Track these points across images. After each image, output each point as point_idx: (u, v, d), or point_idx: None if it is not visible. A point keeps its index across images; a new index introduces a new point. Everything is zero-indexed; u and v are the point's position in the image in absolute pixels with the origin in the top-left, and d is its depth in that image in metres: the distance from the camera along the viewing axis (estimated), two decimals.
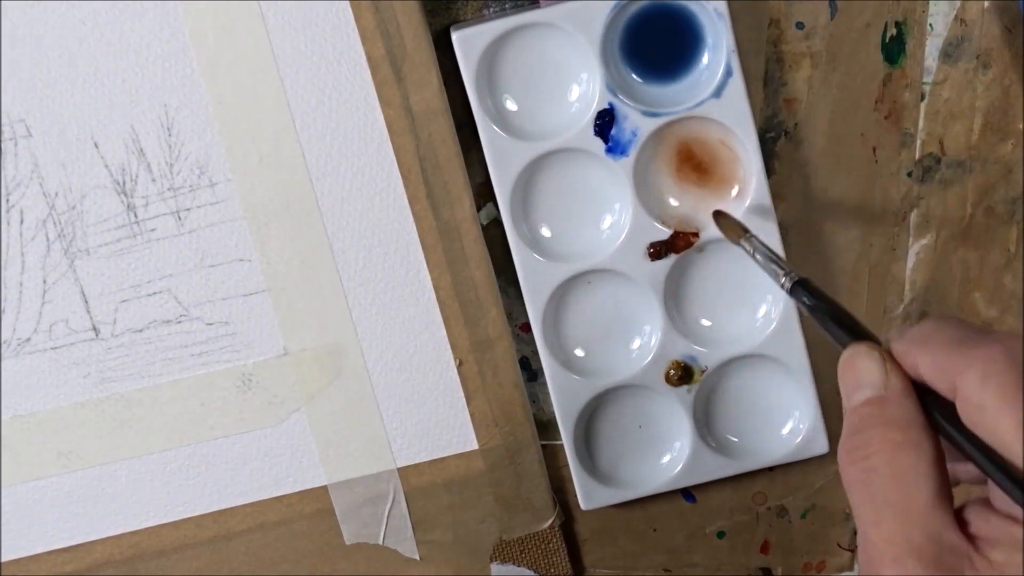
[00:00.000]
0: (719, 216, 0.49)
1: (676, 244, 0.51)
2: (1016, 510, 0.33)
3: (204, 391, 0.52)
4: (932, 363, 0.35)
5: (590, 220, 0.51)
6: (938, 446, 0.35)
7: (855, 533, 0.57)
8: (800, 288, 0.42)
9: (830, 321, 0.40)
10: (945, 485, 0.35)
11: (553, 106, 0.50)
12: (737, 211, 0.50)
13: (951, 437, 0.35)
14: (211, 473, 0.53)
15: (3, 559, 0.53)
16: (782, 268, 0.43)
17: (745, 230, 0.47)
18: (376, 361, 0.52)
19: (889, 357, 0.36)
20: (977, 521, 0.34)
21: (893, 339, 0.37)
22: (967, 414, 0.34)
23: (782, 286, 0.43)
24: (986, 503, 0.35)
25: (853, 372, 0.37)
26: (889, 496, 0.35)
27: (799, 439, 0.53)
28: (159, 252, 0.51)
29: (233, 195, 0.50)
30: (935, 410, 0.35)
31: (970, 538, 0.34)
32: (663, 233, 0.50)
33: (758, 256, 0.45)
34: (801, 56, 0.51)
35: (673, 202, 0.51)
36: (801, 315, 0.51)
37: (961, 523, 0.34)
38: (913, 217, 0.54)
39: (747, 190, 0.50)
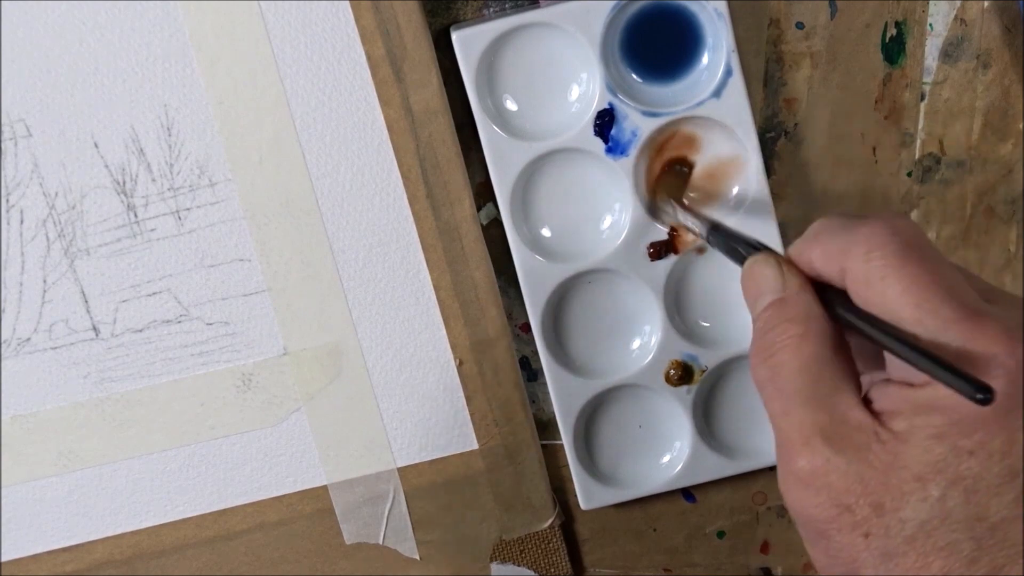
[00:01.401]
0: (662, 179, 0.50)
1: (676, 244, 0.51)
2: (914, 376, 0.34)
3: (204, 391, 0.52)
4: (822, 253, 0.37)
5: (590, 220, 0.51)
6: (839, 334, 0.36)
7: None
8: (714, 231, 0.44)
9: (733, 245, 0.42)
10: (849, 370, 0.36)
11: (553, 106, 0.50)
12: (737, 211, 0.50)
13: (846, 319, 0.36)
14: (211, 473, 0.53)
15: (3, 559, 0.53)
16: (700, 219, 0.46)
17: (676, 198, 0.49)
18: (376, 361, 0.52)
19: (785, 261, 0.38)
20: (878, 397, 0.35)
21: (789, 248, 0.39)
22: (857, 293, 0.35)
23: (704, 238, 0.45)
24: (886, 380, 0.36)
25: (753, 281, 0.39)
26: (796, 385, 0.36)
27: None
28: (159, 252, 0.51)
29: (233, 195, 0.50)
30: (830, 298, 0.37)
31: (875, 415, 0.35)
32: (663, 233, 0.50)
33: (684, 221, 0.47)
34: (801, 56, 0.51)
35: (670, 210, 0.51)
36: None
37: (866, 404, 0.35)
38: (913, 217, 0.54)
39: (747, 190, 0.50)
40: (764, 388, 0.37)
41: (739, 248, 0.41)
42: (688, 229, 0.47)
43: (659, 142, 0.50)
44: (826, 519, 0.35)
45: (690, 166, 0.50)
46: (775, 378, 0.36)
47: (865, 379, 0.37)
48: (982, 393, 0.31)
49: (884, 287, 0.34)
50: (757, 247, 0.40)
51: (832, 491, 0.35)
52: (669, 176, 0.50)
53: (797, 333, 0.36)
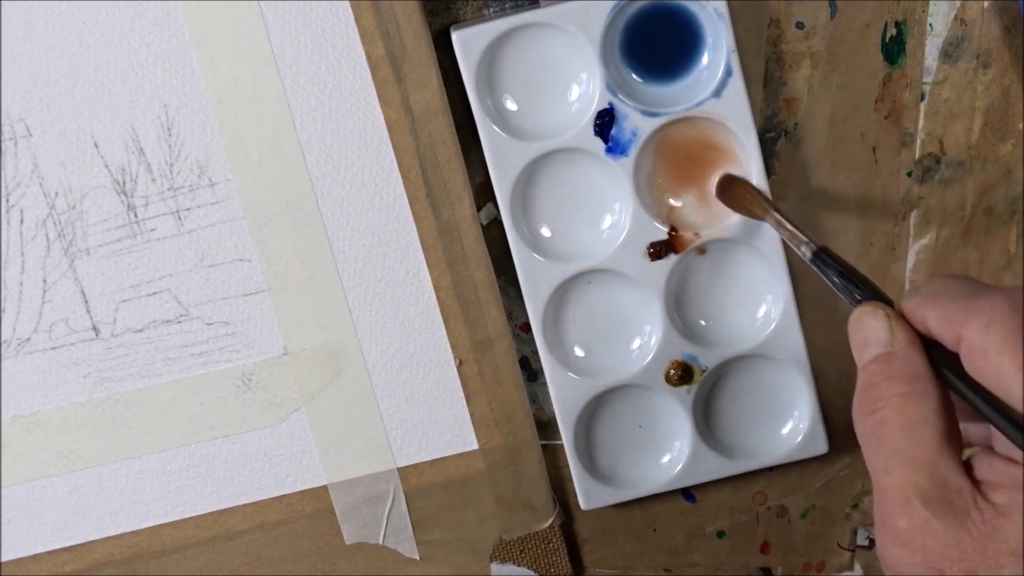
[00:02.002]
0: (731, 185, 0.49)
1: (676, 244, 0.51)
2: (1017, 453, 0.35)
3: (204, 391, 0.52)
4: (939, 316, 0.37)
5: (590, 220, 0.51)
6: (944, 396, 0.36)
7: (855, 532, 0.57)
8: (821, 256, 0.43)
9: (847, 285, 0.41)
10: (952, 433, 0.36)
11: (553, 106, 0.50)
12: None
13: (954, 385, 0.36)
14: (211, 473, 0.53)
15: (3, 559, 0.53)
16: (803, 236, 0.44)
17: (770, 203, 0.48)
18: (376, 361, 0.52)
19: (894, 314, 0.38)
20: (982, 466, 0.35)
21: (904, 297, 0.38)
22: (971, 362, 0.35)
23: (803, 255, 0.44)
24: (991, 450, 0.36)
25: (861, 331, 0.39)
26: (898, 444, 0.36)
27: (799, 439, 0.53)
28: (159, 252, 0.51)
29: (233, 195, 0.50)
30: (940, 360, 0.36)
31: (975, 482, 0.35)
32: (663, 233, 0.50)
33: (785, 226, 0.46)
34: (801, 56, 0.51)
35: (673, 202, 0.51)
36: (801, 314, 0.51)
37: (967, 469, 0.35)
38: (913, 217, 0.54)
39: None
40: (866, 443, 0.37)
41: (848, 287, 0.41)
42: (790, 244, 0.46)
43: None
44: None
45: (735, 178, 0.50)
46: (877, 435, 0.36)
47: (972, 433, 0.37)
48: None
49: (1000, 361, 0.34)
50: (867, 295, 0.40)
51: (928, 553, 0.35)
52: (737, 187, 0.49)
53: (902, 392, 0.36)
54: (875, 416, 0.37)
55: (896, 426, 0.36)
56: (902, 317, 0.38)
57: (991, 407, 0.35)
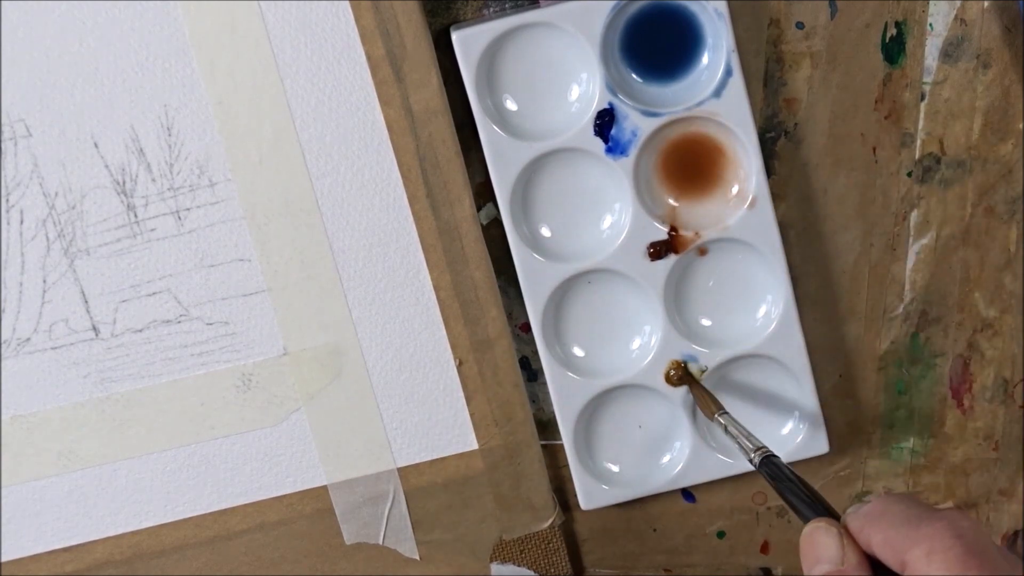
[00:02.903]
0: (693, 388, 0.51)
1: (676, 244, 0.51)
2: None
3: (204, 391, 0.52)
4: (883, 540, 0.37)
5: (590, 220, 0.51)
6: None
7: None
8: (768, 463, 0.45)
9: (794, 496, 0.42)
10: None
11: (553, 106, 0.50)
12: (737, 211, 0.50)
13: None
14: (211, 473, 0.53)
15: (3, 559, 0.53)
16: (752, 443, 0.46)
17: (719, 406, 0.49)
18: (376, 361, 0.52)
19: (846, 533, 0.39)
20: None
21: (849, 515, 0.39)
22: None
23: (751, 461, 0.45)
24: None
25: (813, 547, 0.39)
26: None
27: (799, 439, 0.53)
28: (159, 252, 0.51)
29: (233, 195, 0.50)
30: None
31: None
32: (663, 233, 0.50)
33: (730, 430, 0.48)
34: (801, 56, 0.51)
35: (673, 202, 0.51)
36: (801, 314, 0.51)
37: None
38: (913, 217, 0.54)
39: (747, 190, 0.50)
40: None
41: (796, 502, 0.42)
42: (737, 447, 0.47)
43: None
44: None
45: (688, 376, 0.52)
46: None
47: None
48: None
49: None
50: (817, 511, 0.41)
51: None
52: (692, 386, 0.51)
53: None
54: None
55: None
56: (852, 538, 0.39)
57: None
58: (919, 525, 0.37)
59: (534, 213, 0.51)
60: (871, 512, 0.39)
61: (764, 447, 0.45)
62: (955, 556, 0.35)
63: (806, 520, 0.40)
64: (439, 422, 0.53)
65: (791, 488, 0.42)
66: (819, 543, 0.39)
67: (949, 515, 0.37)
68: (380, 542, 0.54)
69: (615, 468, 0.54)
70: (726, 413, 0.49)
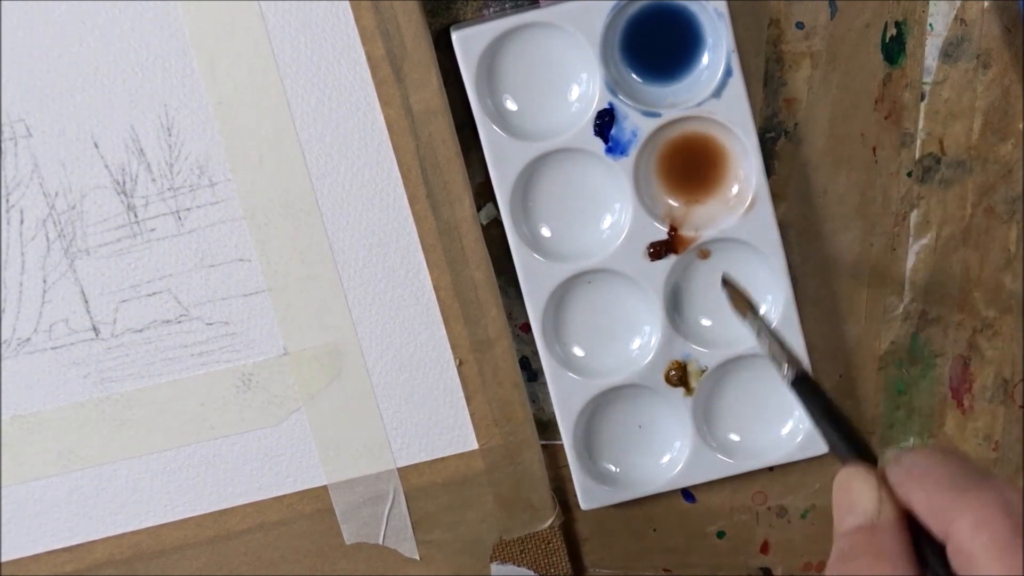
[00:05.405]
0: (727, 286, 0.49)
1: (676, 244, 0.51)
2: None
3: (204, 391, 0.52)
4: (926, 501, 0.35)
5: (590, 220, 0.51)
6: None
7: None
8: (801, 384, 0.41)
9: (828, 425, 0.39)
10: None
11: (553, 106, 0.50)
12: (737, 211, 0.50)
13: (935, 573, 0.34)
14: (211, 473, 0.53)
15: (3, 559, 0.53)
16: (786, 354, 0.42)
17: (754, 308, 0.47)
18: (376, 361, 0.52)
19: (884, 484, 0.36)
20: None
21: (890, 464, 0.36)
22: (957, 561, 0.34)
23: (783, 376, 0.42)
24: None
25: (847, 494, 0.36)
26: None
27: (799, 439, 0.53)
28: (159, 252, 0.51)
29: (233, 195, 0.50)
30: (926, 550, 0.35)
31: None
32: (663, 233, 0.50)
33: (761, 335, 0.44)
34: (801, 56, 0.51)
35: (673, 202, 0.51)
36: (801, 314, 0.51)
37: None
38: (913, 217, 0.54)
39: (747, 190, 0.50)
40: None
41: (829, 432, 0.39)
42: (770, 360, 0.44)
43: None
44: None
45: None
46: None
47: None
48: None
49: (989, 568, 0.33)
50: (855, 444, 0.38)
51: None
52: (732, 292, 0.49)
53: (883, 573, 0.34)
54: None
55: None
56: (891, 491, 0.36)
57: None
58: (966, 492, 0.34)
59: (534, 213, 0.51)
60: (915, 466, 0.36)
61: (799, 363, 0.42)
62: (1003, 534, 0.32)
63: (837, 454, 0.38)
64: (439, 422, 0.53)
65: (825, 416, 0.39)
66: (855, 491, 0.36)
67: (998, 485, 0.34)
68: (380, 542, 0.54)
69: (615, 468, 0.54)
70: (761, 317, 0.46)
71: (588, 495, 0.53)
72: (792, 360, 0.42)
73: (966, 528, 0.33)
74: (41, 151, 0.49)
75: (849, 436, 0.38)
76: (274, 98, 0.49)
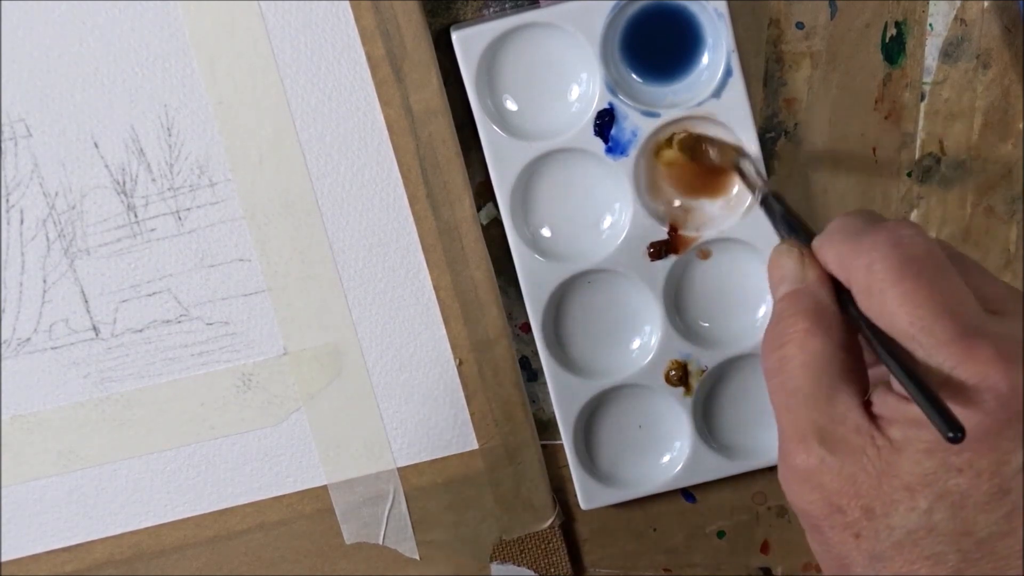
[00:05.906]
0: (708, 142, 0.50)
1: (676, 244, 0.51)
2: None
3: (204, 391, 0.52)
4: (835, 256, 0.37)
5: (590, 220, 0.51)
6: (849, 333, 0.37)
7: None
8: (766, 200, 0.45)
9: (783, 227, 0.43)
10: (853, 369, 0.36)
11: (553, 106, 0.50)
12: (737, 212, 0.50)
13: (855, 321, 0.36)
14: (211, 473, 0.53)
15: (3, 559, 0.53)
16: (764, 181, 0.47)
17: (740, 151, 0.49)
18: (376, 361, 0.52)
19: (808, 252, 0.39)
20: (879, 402, 0.36)
21: (816, 237, 0.39)
22: (861, 301, 0.36)
23: (755, 196, 0.46)
24: (888, 387, 0.36)
25: (777, 268, 0.39)
26: (798, 382, 0.36)
27: None
28: (159, 252, 0.51)
29: (233, 195, 0.50)
30: (847, 301, 0.37)
31: (873, 418, 0.35)
32: (663, 233, 0.50)
33: (746, 168, 0.48)
34: (801, 56, 0.51)
35: (673, 202, 0.51)
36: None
37: (868, 406, 0.36)
38: (913, 217, 0.54)
39: (747, 190, 0.50)
40: (770, 379, 0.37)
41: (778, 228, 0.42)
42: (746, 183, 0.48)
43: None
44: (819, 516, 0.36)
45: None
46: (780, 371, 0.37)
47: (873, 372, 0.37)
48: (953, 432, 0.31)
49: (883, 300, 0.35)
50: (788, 233, 0.41)
51: (825, 491, 0.35)
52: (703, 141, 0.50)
53: (805, 327, 0.37)
54: (780, 351, 0.37)
55: (798, 362, 0.36)
56: (814, 256, 0.38)
57: (881, 346, 0.35)
58: (862, 237, 0.36)
59: (534, 213, 0.51)
60: (828, 230, 0.38)
61: (769, 189, 0.46)
62: (893, 265, 0.35)
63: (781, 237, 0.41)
64: (439, 422, 0.53)
65: (784, 218, 0.43)
66: (781, 264, 0.39)
67: (891, 225, 0.36)
68: (380, 542, 0.54)
69: (615, 468, 0.54)
70: (746, 156, 0.49)
71: (588, 495, 0.53)
72: (762, 187, 0.46)
73: (862, 267, 0.35)
74: (41, 151, 0.49)
75: (795, 226, 0.42)
76: (274, 98, 0.49)
